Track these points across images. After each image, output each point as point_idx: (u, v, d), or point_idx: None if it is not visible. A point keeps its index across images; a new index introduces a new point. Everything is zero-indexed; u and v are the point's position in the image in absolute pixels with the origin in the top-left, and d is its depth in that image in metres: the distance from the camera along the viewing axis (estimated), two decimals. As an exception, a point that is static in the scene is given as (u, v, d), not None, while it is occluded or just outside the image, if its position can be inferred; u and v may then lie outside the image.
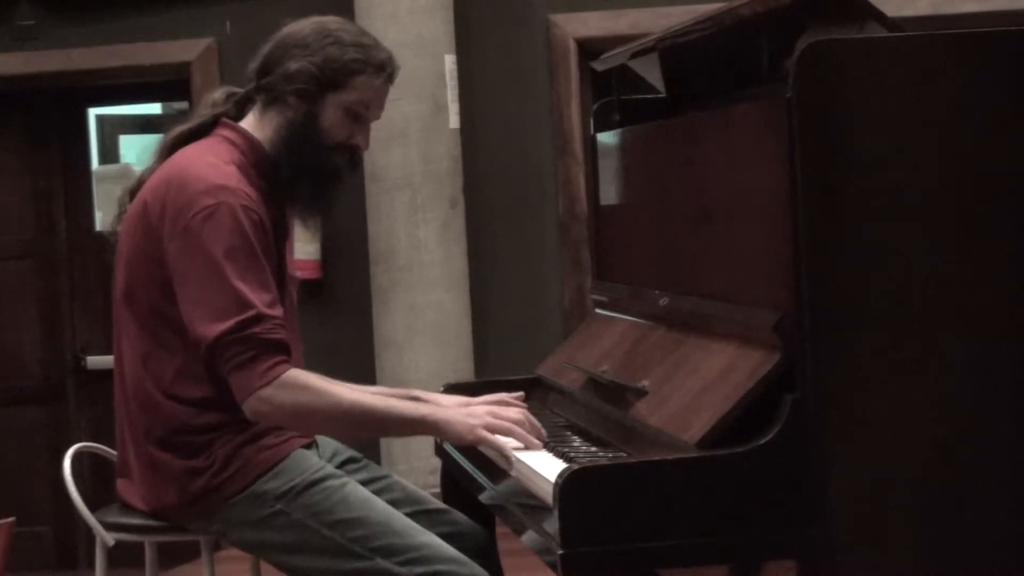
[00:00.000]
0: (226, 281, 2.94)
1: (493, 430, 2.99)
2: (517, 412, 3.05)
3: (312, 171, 3.11)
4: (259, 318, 2.93)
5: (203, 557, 3.25)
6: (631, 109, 3.53)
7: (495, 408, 3.07)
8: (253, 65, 3.18)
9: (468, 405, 3.11)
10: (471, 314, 5.90)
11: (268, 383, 2.93)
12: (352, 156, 3.17)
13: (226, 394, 2.98)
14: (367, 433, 3.27)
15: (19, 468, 6.99)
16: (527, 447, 2.97)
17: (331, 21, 3.16)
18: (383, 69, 3.14)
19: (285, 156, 3.10)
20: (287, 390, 2.94)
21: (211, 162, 3.05)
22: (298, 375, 2.96)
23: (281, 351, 2.95)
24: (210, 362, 2.96)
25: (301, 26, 3.14)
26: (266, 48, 3.16)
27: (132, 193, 3.17)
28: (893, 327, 2.56)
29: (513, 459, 2.92)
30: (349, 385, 3.16)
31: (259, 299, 2.95)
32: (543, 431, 3.03)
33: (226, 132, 3.15)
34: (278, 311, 2.98)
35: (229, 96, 3.21)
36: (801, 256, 2.54)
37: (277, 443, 3.07)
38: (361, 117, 3.15)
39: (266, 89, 3.13)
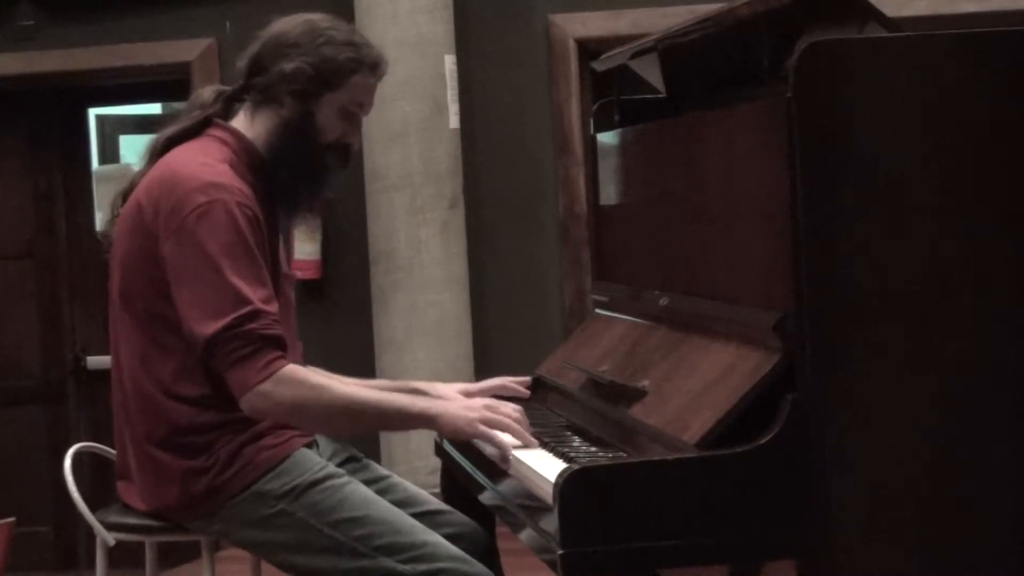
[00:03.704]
0: (222, 278, 2.94)
1: (490, 424, 2.99)
2: (513, 409, 3.06)
3: (308, 171, 3.12)
4: (256, 314, 2.93)
5: (203, 557, 3.25)
6: (631, 109, 3.53)
7: (492, 403, 3.08)
8: (242, 64, 3.18)
9: (468, 394, 3.13)
10: (471, 314, 5.90)
11: (266, 378, 2.93)
12: (345, 155, 3.18)
13: (226, 392, 2.99)
14: (365, 427, 3.29)
15: (19, 468, 6.99)
16: (523, 444, 2.98)
17: (321, 20, 3.16)
18: (376, 68, 3.15)
19: (281, 156, 3.11)
20: (285, 385, 2.94)
21: (204, 161, 3.05)
22: (296, 370, 2.97)
23: (278, 346, 2.96)
24: (207, 359, 2.96)
25: (291, 25, 3.14)
26: (256, 47, 3.16)
27: (125, 195, 3.17)
28: (893, 327, 2.56)
29: (511, 456, 2.93)
30: (350, 378, 3.17)
31: (255, 295, 2.95)
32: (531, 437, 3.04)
33: (218, 132, 3.15)
34: (274, 307, 2.99)
35: (218, 95, 3.21)
36: (801, 256, 2.54)
37: (279, 443, 3.07)
38: (354, 116, 3.16)
39: (259, 89, 3.13)
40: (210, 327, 2.92)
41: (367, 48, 3.15)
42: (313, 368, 3.29)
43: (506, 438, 3.01)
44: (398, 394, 3.15)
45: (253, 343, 2.93)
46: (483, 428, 2.99)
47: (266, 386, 2.93)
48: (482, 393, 3.32)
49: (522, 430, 3.00)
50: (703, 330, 2.88)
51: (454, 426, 3.02)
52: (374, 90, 3.18)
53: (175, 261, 2.98)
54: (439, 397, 3.20)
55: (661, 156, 3.24)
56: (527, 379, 3.30)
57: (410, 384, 3.32)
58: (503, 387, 3.21)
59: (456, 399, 3.15)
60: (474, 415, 3.01)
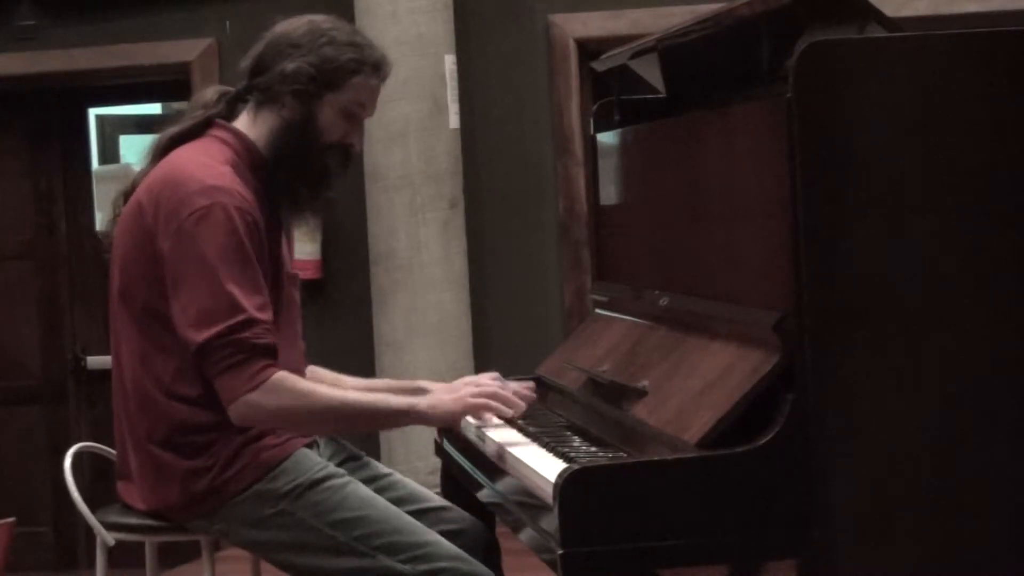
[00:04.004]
0: (218, 284, 2.94)
1: (477, 397, 3.08)
2: (491, 378, 3.15)
3: (308, 171, 3.12)
4: (249, 322, 2.94)
5: (203, 557, 3.25)
6: (631, 109, 3.53)
7: (472, 379, 3.18)
8: (245, 65, 3.18)
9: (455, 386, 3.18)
10: (471, 314, 5.90)
11: (255, 387, 2.93)
12: (346, 156, 3.18)
13: (224, 393, 3.00)
14: (358, 429, 3.31)
15: (19, 468, 6.99)
16: (513, 409, 3.08)
17: (324, 21, 3.16)
18: (379, 69, 3.15)
19: (282, 156, 3.11)
20: (273, 394, 2.94)
21: (205, 163, 3.05)
22: (284, 378, 2.97)
23: (268, 355, 2.96)
24: (198, 364, 2.97)
25: (294, 26, 3.15)
26: (258, 48, 3.16)
27: (126, 195, 3.17)
28: (893, 327, 2.56)
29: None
30: (352, 379, 3.17)
31: (250, 302, 2.95)
32: (523, 401, 3.12)
33: (219, 133, 3.15)
34: (268, 315, 2.99)
35: (221, 96, 3.21)
36: (801, 256, 2.54)
37: (279, 442, 3.07)
38: (356, 117, 3.16)
39: (261, 89, 3.13)
40: (202, 333, 2.93)
41: (370, 49, 3.15)
42: (313, 368, 3.29)
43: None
44: (387, 394, 3.17)
45: (244, 352, 2.93)
46: (472, 400, 3.05)
47: (254, 395, 2.94)
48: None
49: (508, 396, 3.08)
50: (703, 330, 2.88)
51: (445, 410, 3.07)
52: (377, 91, 3.18)
53: (172, 262, 2.98)
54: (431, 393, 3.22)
55: (661, 156, 3.24)
56: (532, 384, 3.32)
57: (416, 384, 3.33)
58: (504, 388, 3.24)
59: (439, 389, 3.18)
60: (460, 393, 3.07)
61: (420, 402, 3.08)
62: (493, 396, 3.08)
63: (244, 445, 3.04)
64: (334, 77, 3.10)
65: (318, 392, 3.02)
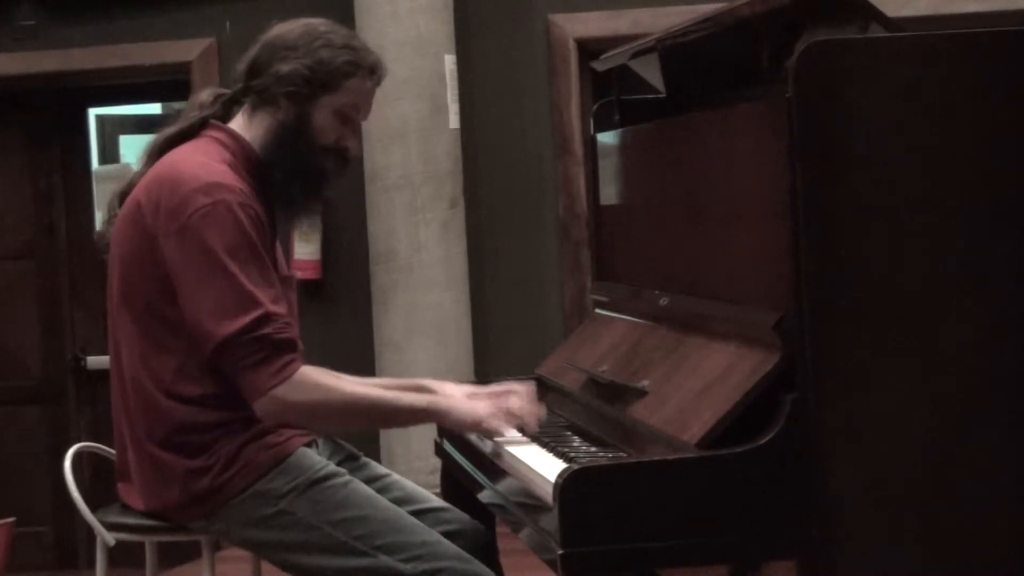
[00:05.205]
0: (231, 278, 2.94)
1: (494, 424, 3.06)
2: (516, 401, 3.12)
3: (303, 172, 3.13)
4: (268, 317, 2.94)
5: (203, 557, 3.25)
6: (631, 109, 3.53)
7: (495, 397, 3.15)
8: (241, 67, 3.19)
9: (475, 396, 3.17)
10: (471, 314, 5.90)
11: (281, 383, 2.94)
12: (342, 158, 3.18)
13: (227, 391, 2.99)
14: (375, 425, 3.34)
15: (19, 468, 6.99)
16: (527, 426, 3.07)
17: (320, 24, 3.17)
18: (374, 72, 3.16)
19: (277, 157, 3.11)
20: (299, 388, 2.96)
21: (203, 161, 3.06)
22: (309, 373, 2.98)
23: (291, 349, 2.97)
24: (217, 361, 2.97)
25: (289, 28, 3.15)
26: (254, 50, 3.17)
27: (122, 196, 3.18)
28: (893, 327, 2.56)
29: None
30: (357, 377, 3.18)
31: (265, 296, 2.96)
32: (542, 413, 3.12)
33: (215, 133, 3.15)
34: (283, 307, 3.00)
35: (217, 97, 3.22)
36: (801, 256, 2.54)
37: (279, 442, 3.07)
38: (351, 120, 3.16)
39: (256, 91, 3.14)
40: (222, 330, 2.93)
41: (365, 52, 3.16)
42: (320, 368, 3.30)
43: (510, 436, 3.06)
44: (405, 392, 3.17)
45: (267, 348, 2.94)
46: (487, 424, 3.06)
47: (280, 390, 2.95)
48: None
49: (526, 415, 3.09)
50: (703, 330, 2.88)
51: (459, 418, 3.10)
52: (372, 95, 3.19)
53: (178, 261, 2.98)
54: (448, 395, 3.22)
55: (661, 156, 3.24)
56: (532, 385, 3.32)
57: (419, 382, 3.34)
58: (508, 391, 3.24)
59: (460, 393, 3.19)
60: (478, 408, 3.08)
61: (440, 401, 3.11)
62: (511, 416, 3.08)
63: (244, 445, 3.04)
64: (329, 79, 3.10)
65: (342, 387, 3.04)
